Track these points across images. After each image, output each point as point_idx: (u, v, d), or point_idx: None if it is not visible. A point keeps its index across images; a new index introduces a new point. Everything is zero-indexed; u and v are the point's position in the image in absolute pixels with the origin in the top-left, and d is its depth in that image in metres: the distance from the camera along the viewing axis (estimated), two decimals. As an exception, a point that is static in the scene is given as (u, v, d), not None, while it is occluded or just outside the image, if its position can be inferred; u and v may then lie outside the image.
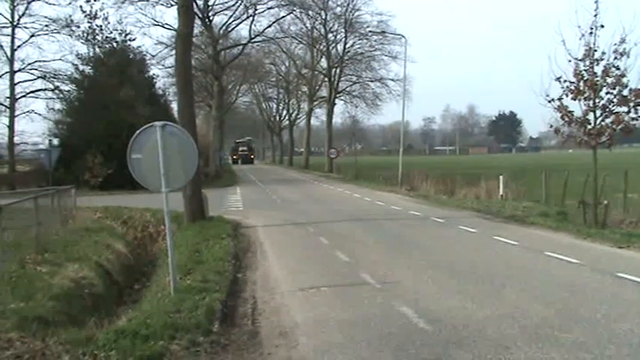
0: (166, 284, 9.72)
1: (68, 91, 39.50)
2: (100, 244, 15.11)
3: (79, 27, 38.70)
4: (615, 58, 14.59)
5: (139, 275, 14.84)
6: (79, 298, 10.42)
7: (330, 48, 58.62)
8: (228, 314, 8.10)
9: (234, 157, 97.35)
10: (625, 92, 14.59)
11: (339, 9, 55.56)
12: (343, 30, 56.68)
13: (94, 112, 34.92)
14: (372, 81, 59.66)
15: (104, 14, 38.76)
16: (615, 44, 14.48)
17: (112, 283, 12.94)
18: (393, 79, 56.71)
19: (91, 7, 38.09)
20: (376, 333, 6.91)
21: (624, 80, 14.58)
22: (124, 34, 39.96)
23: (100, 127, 33.81)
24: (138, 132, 8.78)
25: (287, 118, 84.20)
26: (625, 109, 14.69)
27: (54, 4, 38.65)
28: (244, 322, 7.79)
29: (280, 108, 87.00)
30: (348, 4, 54.64)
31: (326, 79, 60.34)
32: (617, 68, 14.62)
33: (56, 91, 39.47)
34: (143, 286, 13.04)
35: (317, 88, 64.63)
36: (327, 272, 10.65)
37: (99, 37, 39.20)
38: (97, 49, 39.65)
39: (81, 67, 39.21)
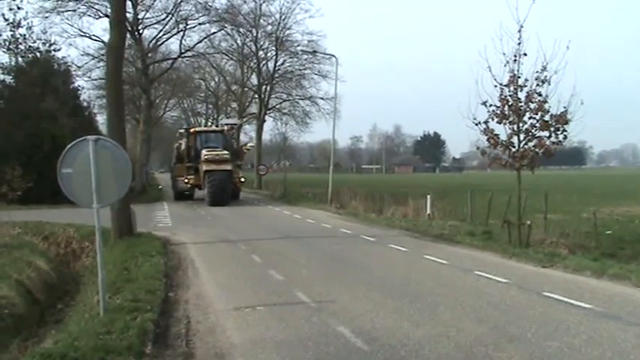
0: (94, 304, 9.37)
1: (-15, 100, 37.72)
2: (21, 262, 14.37)
3: (0, 35, 37.24)
4: (537, 85, 15.16)
5: (61, 294, 14.20)
6: (-2, 319, 9.89)
7: (261, 65, 58.46)
8: (161, 335, 7.88)
9: (187, 178, 36.73)
10: (546, 117, 15.19)
11: (270, 27, 55.65)
12: (274, 48, 56.74)
13: (13, 123, 33.41)
14: (302, 99, 59.79)
15: (28, 23, 37.45)
16: (537, 72, 15.08)
17: (33, 303, 12.33)
18: (322, 98, 57.09)
19: (14, 16, 36.72)
20: (314, 353, 6.87)
21: (546, 106, 15.20)
22: (48, 44, 38.62)
23: (20, 138, 32.38)
24: (69, 146, 8.47)
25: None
26: (546, 133, 15.31)
27: (-27, 11, 36.94)
28: (178, 343, 7.59)
29: (209, 124, 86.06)
30: (279, 23, 54.85)
31: (256, 95, 60.13)
32: (539, 94, 15.20)
33: (-28, 101, 37.61)
34: (66, 306, 12.49)
35: (247, 104, 64.19)
36: (261, 291, 10.53)
37: (22, 47, 37.75)
38: (20, 59, 38.13)
39: (1, 77, 37.59)
